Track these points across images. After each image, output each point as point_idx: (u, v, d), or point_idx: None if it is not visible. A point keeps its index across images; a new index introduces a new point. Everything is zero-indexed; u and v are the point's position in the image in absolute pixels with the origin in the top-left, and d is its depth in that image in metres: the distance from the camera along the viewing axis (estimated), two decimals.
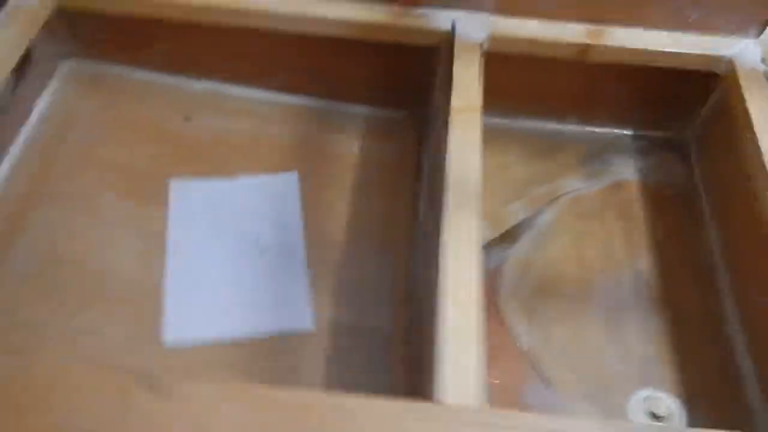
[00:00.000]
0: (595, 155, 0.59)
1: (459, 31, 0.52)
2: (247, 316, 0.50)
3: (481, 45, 0.51)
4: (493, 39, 0.52)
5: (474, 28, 0.52)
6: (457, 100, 0.47)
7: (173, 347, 0.48)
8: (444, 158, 0.45)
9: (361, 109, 0.62)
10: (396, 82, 0.60)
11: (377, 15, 0.54)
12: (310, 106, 0.62)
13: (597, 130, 0.60)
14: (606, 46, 0.51)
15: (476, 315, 0.37)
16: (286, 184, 0.57)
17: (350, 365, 0.48)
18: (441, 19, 0.53)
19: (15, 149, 0.56)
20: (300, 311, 0.50)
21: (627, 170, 0.58)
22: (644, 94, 0.57)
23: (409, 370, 0.47)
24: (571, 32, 0.52)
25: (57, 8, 0.55)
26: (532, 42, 0.52)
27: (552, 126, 0.60)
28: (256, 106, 0.62)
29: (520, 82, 0.55)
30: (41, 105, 0.59)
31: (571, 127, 0.60)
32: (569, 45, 0.52)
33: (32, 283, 0.49)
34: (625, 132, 0.60)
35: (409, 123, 0.62)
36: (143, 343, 0.48)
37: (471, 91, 0.47)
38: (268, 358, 0.48)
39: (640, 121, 0.59)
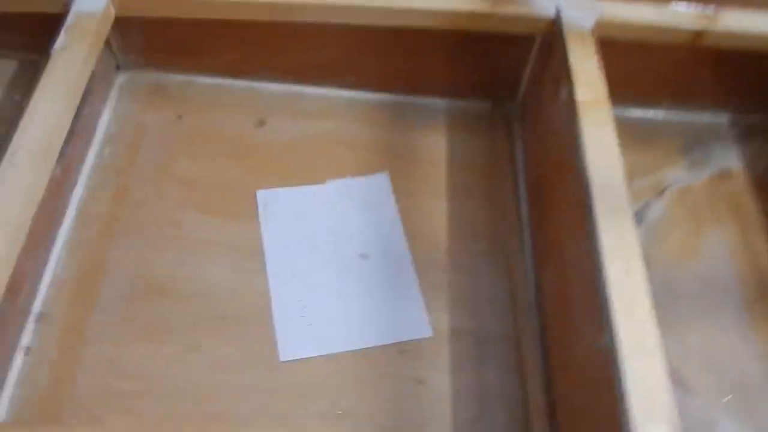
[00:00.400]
0: (695, 142, 0.56)
1: (565, 18, 0.48)
2: (362, 329, 0.47)
3: (592, 32, 0.48)
4: (601, 25, 0.49)
5: (581, 15, 0.49)
6: (582, 93, 0.44)
7: (292, 361, 0.45)
8: (579, 159, 0.42)
9: (442, 103, 0.59)
10: (480, 72, 0.57)
11: (472, 3, 0.50)
12: (389, 102, 0.59)
13: (694, 115, 0.57)
14: (722, 32, 0.49)
15: (653, 329, 0.35)
16: (379, 186, 0.54)
17: (478, 371, 0.45)
18: (543, 5, 0.50)
19: (86, 171, 0.52)
20: (417, 319, 0.47)
21: (730, 158, 0.56)
22: (744, 77, 0.55)
23: (543, 375, 0.45)
24: (684, 18, 0.49)
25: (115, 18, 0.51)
26: (644, 28, 0.49)
27: (647, 113, 0.58)
28: (333, 105, 0.58)
29: (617, 68, 0.53)
30: (104, 123, 0.54)
31: (667, 114, 0.58)
32: (682, 31, 0.49)
33: (129, 318, 0.46)
34: (723, 118, 0.58)
35: (495, 115, 0.59)
36: (260, 361, 0.45)
37: (595, 82, 0.44)
38: (391, 367, 0.45)
39: (739, 105, 0.57)
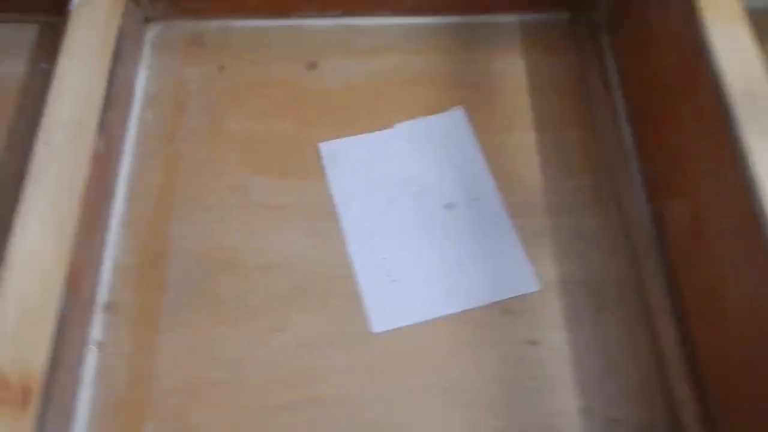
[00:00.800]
0: None
1: None
2: (458, 289, 0.41)
3: None
4: None
5: None
6: None
7: (385, 333, 0.40)
8: (708, 64, 0.34)
9: (512, 19, 0.51)
10: None
11: None
12: (453, 25, 0.51)
13: None
14: None
15: None
16: (455, 123, 0.48)
17: (598, 325, 0.40)
18: None
19: (130, 141, 0.46)
20: (520, 273, 0.42)
21: None
22: None
23: (677, 324, 0.39)
24: None
25: None
26: None
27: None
28: (390, 36, 0.51)
29: None
30: (141, 84, 0.48)
31: None
32: None
33: (202, 299, 0.41)
34: None
35: (578, 26, 0.51)
36: (350, 336, 0.40)
37: None
38: (496, 330, 0.40)
39: None
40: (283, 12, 0.51)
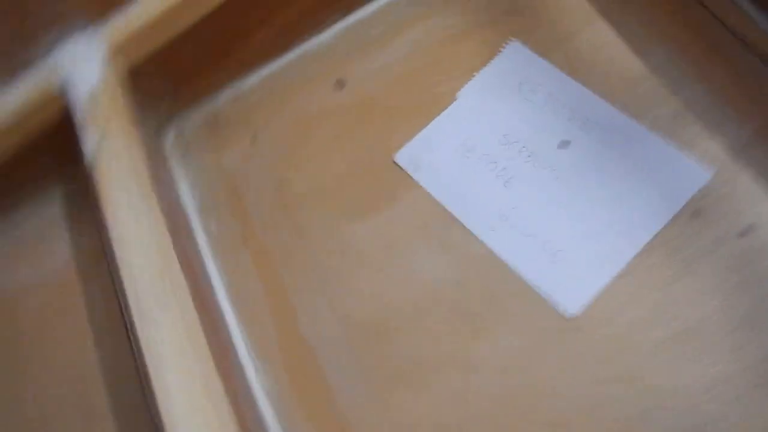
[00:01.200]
0: None
1: None
2: (631, 221, 0.35)
3: None
4: None
5: None
6: None
7: (582, 311, 0.35)
8: None
9: None
10: None
11: None
12: None
13: None
14: None
15: None
16: (516, 58, 0.41)
17: None
18: None
19: (210, 263, 0.41)
20: (681, 167, 0.36)
21: None
22: None
23: None
24: None
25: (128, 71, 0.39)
26: None
27: None
28: (398, 10, 0.45)
29: None
30: (189, 197, 0.43)
31: None
32: None
33: (366, 368, 0.36)
34: None
35: None
36: (551, 334, 0.34)
37: None
38: (697, 236, 0.34)
39: None
40: (279, 47, 0.45)
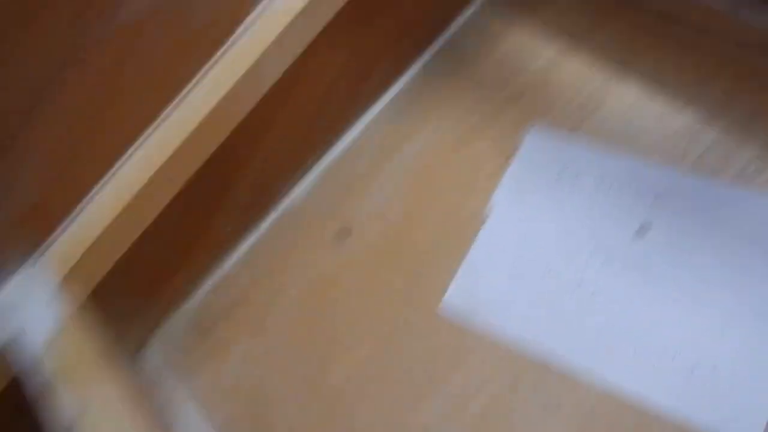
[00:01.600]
0: None
1: None
2: None
3: None
4: None
5: None
6: None
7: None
8: None
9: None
10: None
11: None
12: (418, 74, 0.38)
13: None
14: None
15: None
16: (542, 145, 0.33)
17: None
18: None
19: None
20: None
21: None
22: None
23: None
24: None
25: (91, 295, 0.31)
26: None
27: None
28: (373, 130, 0.37)
29: None
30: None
31: None
32: None
33: None
34: None
35: None
36: None
37: None
38: None
39: None
40: (259, 207, 0.37)
